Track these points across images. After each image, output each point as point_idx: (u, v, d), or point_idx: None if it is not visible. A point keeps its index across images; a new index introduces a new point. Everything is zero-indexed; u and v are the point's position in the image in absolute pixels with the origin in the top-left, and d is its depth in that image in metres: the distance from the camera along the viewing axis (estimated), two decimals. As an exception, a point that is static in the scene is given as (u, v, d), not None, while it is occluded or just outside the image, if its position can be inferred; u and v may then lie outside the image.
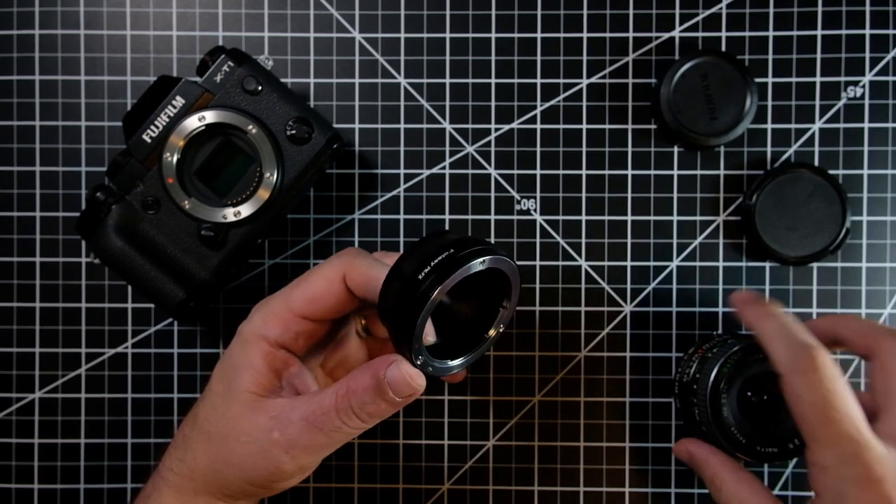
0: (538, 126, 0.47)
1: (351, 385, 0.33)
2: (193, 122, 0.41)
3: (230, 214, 0.42)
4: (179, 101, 0.41)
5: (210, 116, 0.41)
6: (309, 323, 0.36)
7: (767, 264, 0.47)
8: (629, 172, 0.47)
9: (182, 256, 0.42)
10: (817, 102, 0.47)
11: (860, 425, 0.33)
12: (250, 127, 0.41)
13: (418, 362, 0.33)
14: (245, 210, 0.42)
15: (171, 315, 0.42)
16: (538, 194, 0.47)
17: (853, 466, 0.32)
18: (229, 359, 0.37)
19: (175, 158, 0.41)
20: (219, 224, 0.42)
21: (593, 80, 0.47)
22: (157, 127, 0.41)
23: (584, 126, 0.47)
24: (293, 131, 0.42)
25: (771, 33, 0.47)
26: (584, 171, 0.47)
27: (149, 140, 0.41)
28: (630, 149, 0.47)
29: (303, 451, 0.34)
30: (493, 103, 0.47)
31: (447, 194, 0.47)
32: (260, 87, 0.42)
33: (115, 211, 0.41)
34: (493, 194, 0.47)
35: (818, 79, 0.47)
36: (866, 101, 0.47)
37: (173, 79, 0.41)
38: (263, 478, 0.35)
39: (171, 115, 0.41)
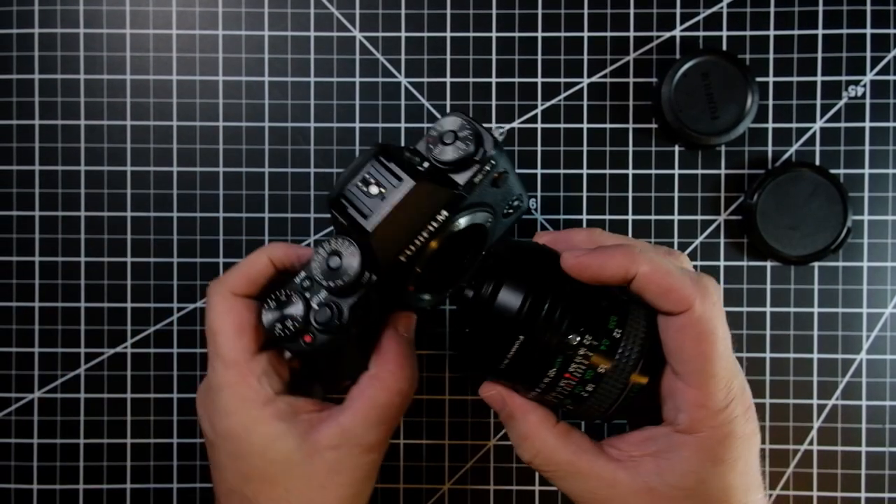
0: (539, 125, 0.47)
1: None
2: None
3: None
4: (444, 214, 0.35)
5: (464, 222, 0.36)
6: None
7: (768, 263, 0.47)
8: (630, 172, 0.47)
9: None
10: (818, 102, 0.47)
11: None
12: (489, 220, 0.37)
13: None
14: None
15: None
16: (539, 193, 0.47)
17: (742, 401, 0.31)
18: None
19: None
20: None
21: (594, 79, 0.47)
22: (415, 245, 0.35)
23: (585, 125, 0.47)
24: (510, 210, 0.39)
25: (772, 32, 0.47)
26: (584, 171, 0.47)
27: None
28: (631, 148, 0.47)
29: None
30: (493, 102, 0.47)
31: (448, 193, 0.47)
32: (505, 179, 0.36)
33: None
34: (493, 193, 0.47)
35: (819, 78, 0.47)
36: (867, 101, 0.47)
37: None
38: None
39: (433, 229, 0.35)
